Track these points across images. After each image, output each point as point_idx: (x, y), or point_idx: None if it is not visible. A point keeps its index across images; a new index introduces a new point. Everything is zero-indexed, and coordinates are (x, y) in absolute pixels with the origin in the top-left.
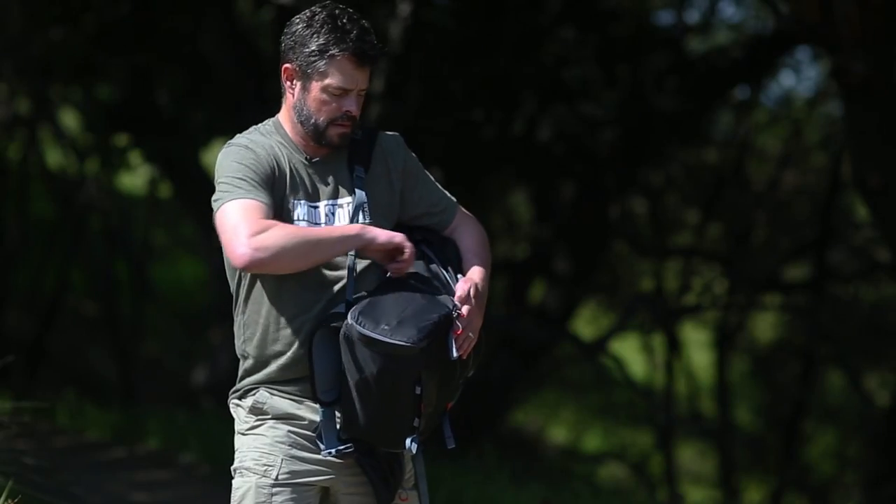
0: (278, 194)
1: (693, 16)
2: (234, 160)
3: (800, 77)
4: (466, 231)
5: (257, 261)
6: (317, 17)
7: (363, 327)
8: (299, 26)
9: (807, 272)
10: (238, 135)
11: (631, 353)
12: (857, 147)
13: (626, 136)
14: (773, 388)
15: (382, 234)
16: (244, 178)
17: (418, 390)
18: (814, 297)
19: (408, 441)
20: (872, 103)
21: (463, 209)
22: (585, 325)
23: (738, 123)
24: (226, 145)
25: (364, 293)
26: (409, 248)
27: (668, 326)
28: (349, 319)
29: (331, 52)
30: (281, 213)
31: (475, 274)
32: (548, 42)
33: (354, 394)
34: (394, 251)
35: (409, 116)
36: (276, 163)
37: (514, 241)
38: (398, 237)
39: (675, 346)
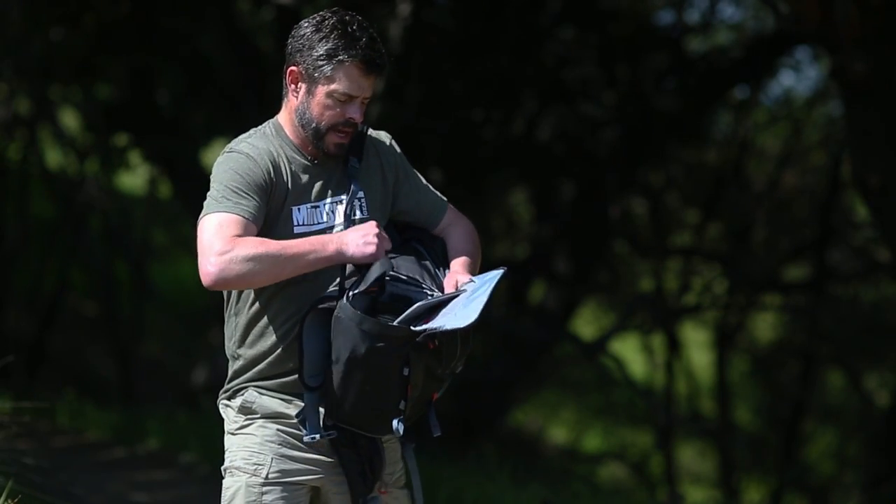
0: (276, 202)
1: (693, 16)
2: (231, 167)
3: (800, 77)
4: (455, 229)
5: (222, 281)
6: (326, 21)
7: (356, 307)
8: (308, 30)
9: (807, 272)
10: (240, 137)
11: (631, 353)
12: (857, 147)
13: (626, 136)
14: (773, 388)
15: (356, 250)
16: (235, 188)
17: (406, 371)
18: (814, 297)
19: (394, 422)
20: (872, 103)
21: (454, 209)
22: (585, 325)
23: (738, 123)
24: (227, 148)
25: (356, 276)
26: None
27: (668, 326)
28: (343, 300)
29: (339, 57)
30: (278, 220)
31: (458, 266)
32: (548, 42)
33: (342, 376)
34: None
35: (409, 116)
36: (275, 170)
37: (514, 241)
38: (370, 248)
39: (675, 346)
